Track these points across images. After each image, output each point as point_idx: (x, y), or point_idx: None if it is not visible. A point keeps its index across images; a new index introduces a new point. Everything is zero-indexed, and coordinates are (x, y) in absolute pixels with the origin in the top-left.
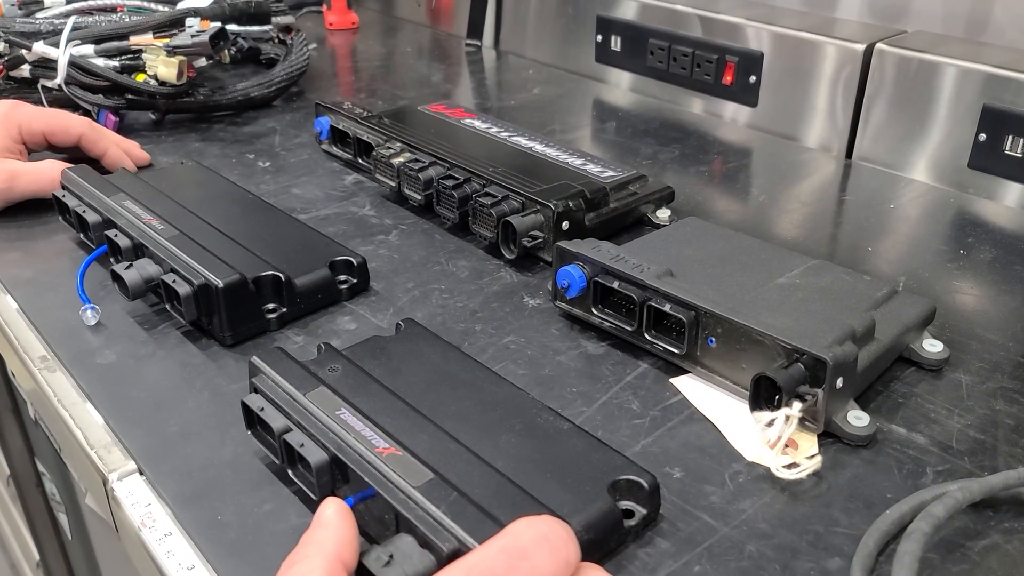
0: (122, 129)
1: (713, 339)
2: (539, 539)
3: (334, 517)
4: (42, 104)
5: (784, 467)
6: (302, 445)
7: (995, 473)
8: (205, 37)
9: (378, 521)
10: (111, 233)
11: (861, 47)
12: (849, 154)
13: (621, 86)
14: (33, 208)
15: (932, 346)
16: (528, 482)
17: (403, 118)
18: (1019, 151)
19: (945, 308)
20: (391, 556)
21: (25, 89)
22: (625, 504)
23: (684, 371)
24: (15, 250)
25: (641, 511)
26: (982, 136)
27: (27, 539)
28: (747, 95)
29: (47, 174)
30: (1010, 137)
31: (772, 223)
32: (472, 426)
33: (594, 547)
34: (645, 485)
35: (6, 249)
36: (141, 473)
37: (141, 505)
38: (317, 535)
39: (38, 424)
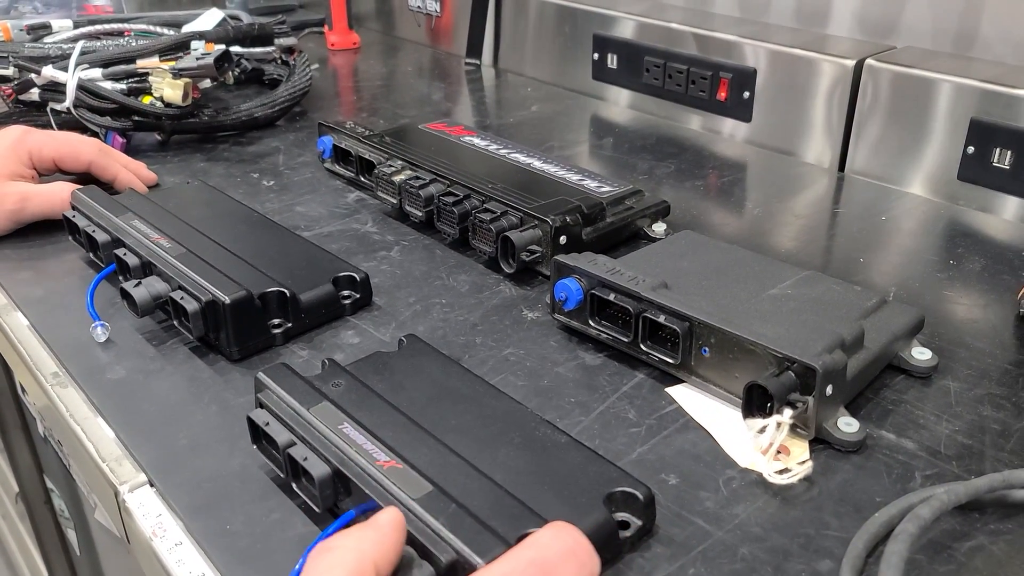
0: (129, 150)
1: (707, 349)
2: (566, 553)
3: (385, 523)
4: (51, 126)
5: (776, 472)
6: (305, 459)
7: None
8: (210, 59)
9: None
10: (120, 252)
11: (852, 63)
12: (842, 167)
13: (618, 103)
14: (43, 229)
15: (921, 354)
16: (526, 494)
17: (404, 136)
18: (1006, 163)
19: (935, 317)
20: None
21: (34, 112)
22: (621, 516)
23: (679, 380)
24: (26, 269)
25: (636, 523)
26: (970, 149)
27: (35, 556)
28: (741, 111)
29: (57, 195)
30: (997, 149)
31: (766, 236)
32: (472, 439)
33: None
34: (640, 497)
35: (18, 269)
36: (152, 485)
37: (152, 516)
38: (361, 531)
39: (47, 441)
